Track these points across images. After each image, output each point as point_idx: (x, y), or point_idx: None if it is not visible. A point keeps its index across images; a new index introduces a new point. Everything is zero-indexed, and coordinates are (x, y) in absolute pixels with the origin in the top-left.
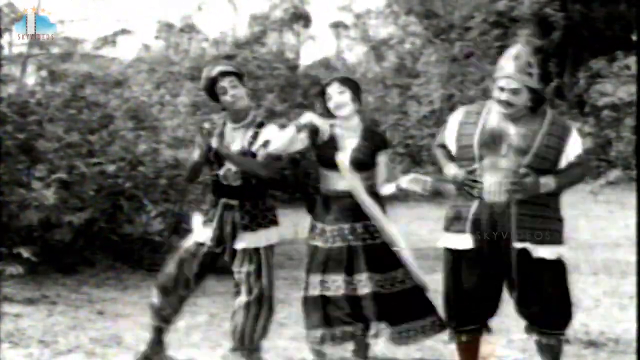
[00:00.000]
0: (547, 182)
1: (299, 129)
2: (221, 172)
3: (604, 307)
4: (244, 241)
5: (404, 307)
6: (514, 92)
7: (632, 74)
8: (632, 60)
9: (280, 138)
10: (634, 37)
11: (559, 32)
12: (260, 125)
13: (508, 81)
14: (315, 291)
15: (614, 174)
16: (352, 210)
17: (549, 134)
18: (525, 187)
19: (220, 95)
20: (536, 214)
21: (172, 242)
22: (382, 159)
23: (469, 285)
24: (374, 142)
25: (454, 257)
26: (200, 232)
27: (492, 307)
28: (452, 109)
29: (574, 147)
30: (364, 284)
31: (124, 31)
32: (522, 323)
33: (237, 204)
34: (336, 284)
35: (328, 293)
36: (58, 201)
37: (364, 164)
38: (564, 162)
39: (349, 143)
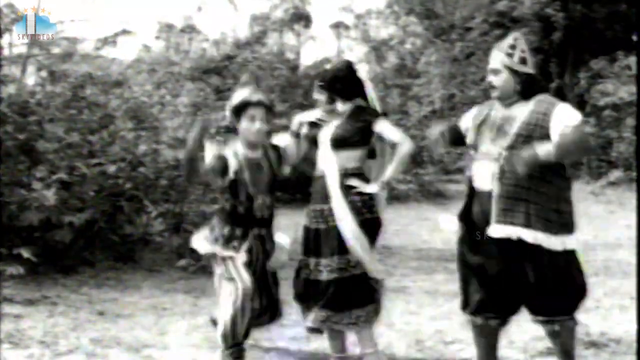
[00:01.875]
0: (546, 148)
1: (295, 134)
2: (256, 204)
3: (604, 308)
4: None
5: (349, 294)
6: (494, 72)
7: (633, 74)
8: (633, 60)
9: (288, 152)
10: (635, 38)
11: (560, 33)
12: (276, 148)
13: (490, 63)
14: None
15: (615, 174)
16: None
17: (533, 112)
18: (521, 159)
19: (246, 121)
20: (521, 198)
21: (172, 243)
22: (381, 125)
23: (473, 270)
24: (362, 117)
25: (460, 242)
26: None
27: (503, 295)
28: (452, 109)
29: (560, 120)
30: (324, 271)
31: (124, 31)
32: (522, 324)
33: (265, 233)
34: (309, 267)
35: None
36: (58, 202)
37: (345, 141)
38: (554, 138)
39: (336, 122)
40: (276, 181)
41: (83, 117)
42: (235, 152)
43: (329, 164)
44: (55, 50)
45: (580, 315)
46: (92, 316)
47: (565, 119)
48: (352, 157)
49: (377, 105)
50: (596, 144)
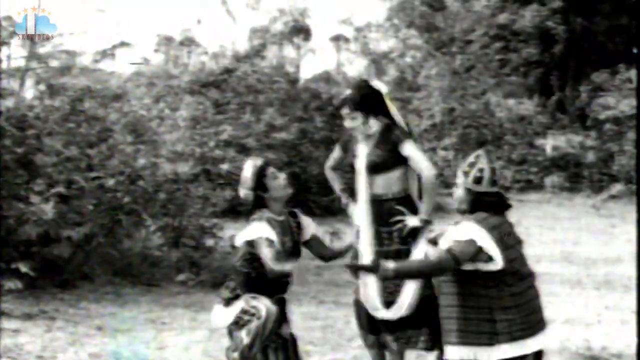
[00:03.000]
0: (388, 267)
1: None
2: (289, 267)
3: (606, 322)
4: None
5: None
6: (455, 185)
7: (634, 87)
8: (634, 73)
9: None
10: (635, 50)
11: (561, 45)
12: (294, 215)
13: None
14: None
15: (617, 188)
16: (374, 214)
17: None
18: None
19: (272, 180)
20: (451, 316)
21: (171, 257)
22: (408, 150)
23: None
24: (390, 140)
25: None
26: None
27: None
28: (452, 122)
29: (445, 239)
30: None
31: (123, 44)
32: None
33: (286, 297)
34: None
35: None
36: (57, 216)
37: (379, 166)
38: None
39: (365, 148)
40: (299, 247)
41: (81, 131)
42: (269, 228)
43: (362, 190)
44: (54, 63)
45: (582, 329)
46: (91, 331)
47: (444, 240)
48: (393, 179)
49: (399, 118)
50: (597, 158)
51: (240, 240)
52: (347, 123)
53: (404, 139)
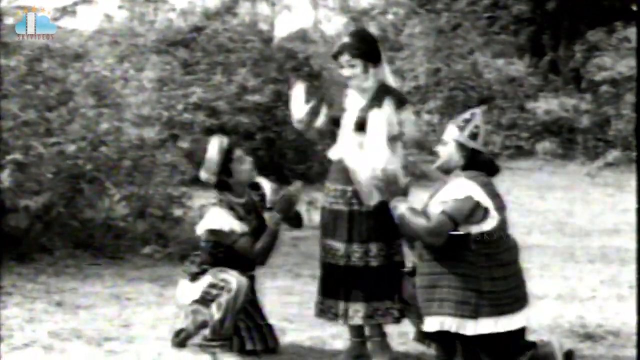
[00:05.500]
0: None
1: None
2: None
3: (601, 298)
4: None
5: (372, 284)
6: (442, 142)
7: (633, 47)
8: (632, 31)
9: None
10: (634, 7)
11: (554, 2)
12: (256, 187)
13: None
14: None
15: (613, 154)
16: (347, 172)
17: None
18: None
19: (236, 166)
20: (434, 285)
21: (137, 228)
22: (407, 116)
23: None
24: (387, 99)
25: None
26: None
27: None
28: (438, 84)
29: (435, 200)
30: (354, 255)
31: (84, 0)
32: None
33: (254, 275)
34: (332, 252)
35: (326, 260)
36: (13, 184)
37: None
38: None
39: (357, 103)
40: (263, 225)
41: (40, 93)
42: (230, 215)
43: (353, 146)
44: (9, 20)
45: (575, 305)
46: (50, 307)
47: (436, 202)
48: None
49: (391, 78)
50: (592, 122)
51: (201, 229)
52: (345, 71)
53: (403, 104)
